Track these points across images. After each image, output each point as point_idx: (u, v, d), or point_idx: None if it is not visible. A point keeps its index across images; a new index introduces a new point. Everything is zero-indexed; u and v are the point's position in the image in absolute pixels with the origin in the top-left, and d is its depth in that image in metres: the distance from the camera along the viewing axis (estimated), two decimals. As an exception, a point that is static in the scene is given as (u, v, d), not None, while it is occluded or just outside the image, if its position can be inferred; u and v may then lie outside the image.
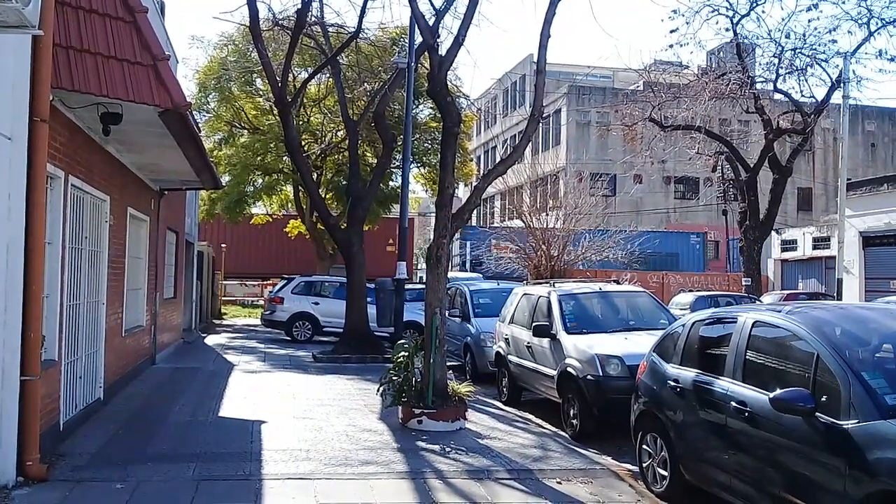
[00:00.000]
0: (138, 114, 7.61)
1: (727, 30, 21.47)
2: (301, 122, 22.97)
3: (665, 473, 6.36)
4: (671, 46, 22.72)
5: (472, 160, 37.61)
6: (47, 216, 6.61)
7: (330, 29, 17.92)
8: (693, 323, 6.73)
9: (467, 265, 31.04)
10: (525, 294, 11.70)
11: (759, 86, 21.99)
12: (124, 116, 7.60)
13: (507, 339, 11.58)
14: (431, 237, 10.09)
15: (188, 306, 20.47)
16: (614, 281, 13.21)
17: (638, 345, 8.58)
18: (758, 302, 18.42)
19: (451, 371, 9.77)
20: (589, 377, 8.74)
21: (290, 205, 30.27)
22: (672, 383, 6.39)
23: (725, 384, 5.67)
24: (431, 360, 8.89)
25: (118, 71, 6.92)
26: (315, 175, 22.94)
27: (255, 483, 6.44)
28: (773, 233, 27.56)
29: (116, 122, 7.66)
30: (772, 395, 4.94)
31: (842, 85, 20.34)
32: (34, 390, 6.13)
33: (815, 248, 29.92)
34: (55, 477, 6.35)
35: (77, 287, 8.29)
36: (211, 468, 6.83)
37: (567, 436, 8.94)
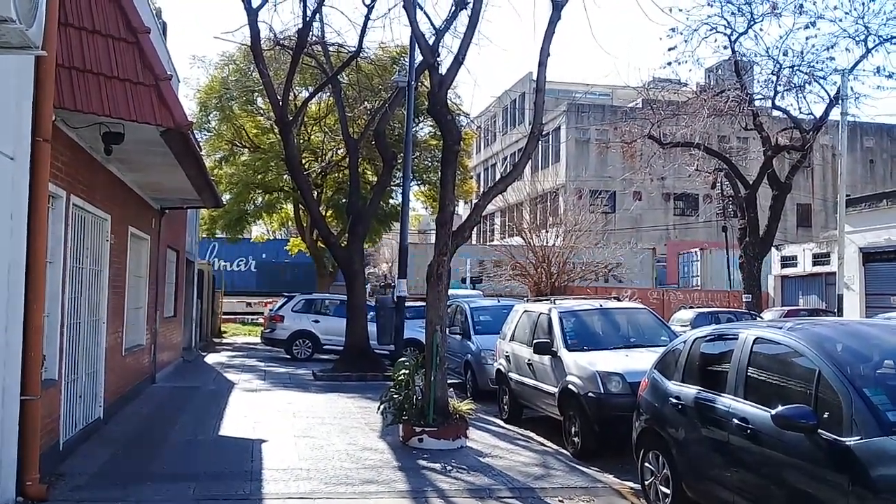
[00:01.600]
0: (140, 133, 7.65)
1: (725, 47, 21.60)
2: (302, 141, 23.05)
3: (667, 491, 6.33)
4: (669, 64, 22.53)
5: (472, 178, 37.73)
6: (49, 236, 6.62)
7: (331, 48, 18.02)
8: (694, 340, 6.72)
9: (467, 282, 31.01)
10: (526, 311, 11.68)
11: (757, 103, 22.09)
12: (126, 136, 7.64)
13: (507, 356, 11.56)
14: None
15: (188, 325, 20.46)
16: (615, 298, 13.20)
17: (639, 362, 8.55)
18: (758, 318, 18.40)
19: (451, 389, 9.74)
20: (590, 394, 8.72)
21: (290, 223, 30.29)
22: (674, 400, 6.37)
23: (727, 401, 5.66)
24: (432, 378, 8.87)
25: (121, 91, 6.97)
26: (315, 193, 22.98)
27: (255, 503, 6.42)
28: (772, 249, 27.55)
29: (118, 141, 7.70)
30: (774, 411, 4.92)
31: (840, 101, 20.42)
32: (34, 410, 6.11)
33: (815, 264, 29.88)
34: (55, 497, 6.32)
35: (78, 306, 8.29)
36: (211, 488, 6.81)
37: (569, 454, 8.90)
